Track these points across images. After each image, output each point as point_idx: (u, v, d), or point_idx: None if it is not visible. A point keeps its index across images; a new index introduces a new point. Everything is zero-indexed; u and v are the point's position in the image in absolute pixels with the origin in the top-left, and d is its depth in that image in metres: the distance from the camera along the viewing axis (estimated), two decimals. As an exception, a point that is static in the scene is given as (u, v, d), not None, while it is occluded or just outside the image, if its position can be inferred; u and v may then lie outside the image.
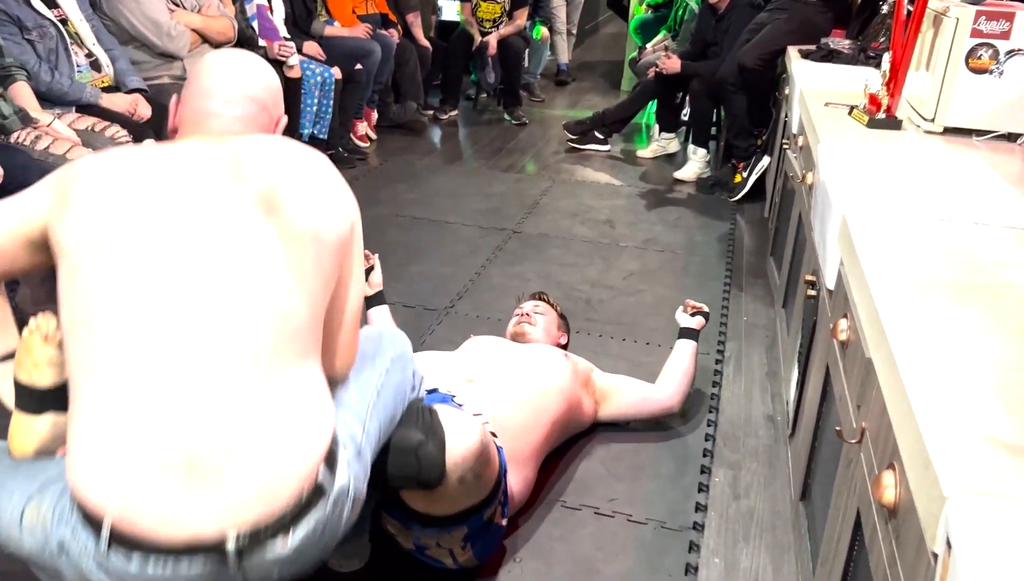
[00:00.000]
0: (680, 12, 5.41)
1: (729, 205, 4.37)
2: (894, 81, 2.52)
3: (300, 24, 4.55)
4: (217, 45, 3.77)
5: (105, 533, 1.17)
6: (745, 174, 4.42)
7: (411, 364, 1.67)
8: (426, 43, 5.66)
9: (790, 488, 2.15)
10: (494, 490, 1.72)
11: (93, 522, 1.19)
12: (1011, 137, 2.44)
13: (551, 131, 5.69)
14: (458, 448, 1.57)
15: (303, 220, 1.32)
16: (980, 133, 2.45)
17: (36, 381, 1.33)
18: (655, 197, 4.50)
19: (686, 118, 5.20)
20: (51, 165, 2.75)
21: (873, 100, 2.57)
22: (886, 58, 2.56)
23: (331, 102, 4.40)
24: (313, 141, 4.40)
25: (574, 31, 7.56)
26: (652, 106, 5.36)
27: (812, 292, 2.09)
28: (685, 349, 2.47)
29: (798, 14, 4.06)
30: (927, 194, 1.94)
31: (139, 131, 3.08)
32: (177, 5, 3.64)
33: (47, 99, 2.97)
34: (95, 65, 3.19)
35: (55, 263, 1.30)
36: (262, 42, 4.02)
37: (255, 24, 4.10)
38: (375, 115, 5.26)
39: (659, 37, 5.75)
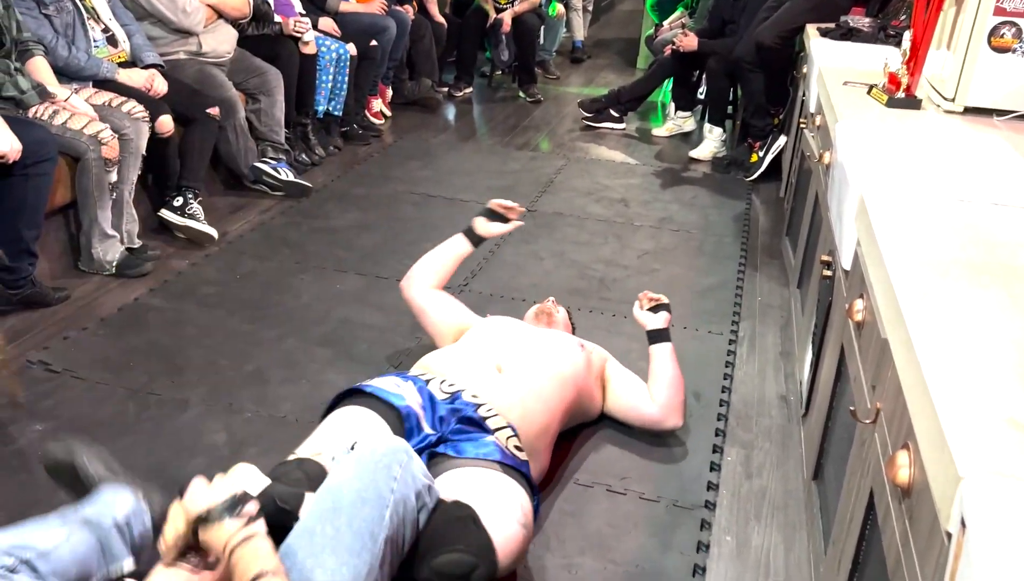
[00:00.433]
0: (697, -11, 5.38)
1: (745, 185, 4.35)
2: (914, 60, 2.49)
3: (315, 0, 4.53)
4: (233, 21, 3.77)
5: None
6: (761, 153, 4.40)
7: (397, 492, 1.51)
8: (441, 20, 5.64)
9: (803, 468, 2.15)
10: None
11: None
12: (1032, 117, 2.41)
13: (566, 109, 5.66)
14: (506, 563, 1.60)
15: None
16: (1001, 113, 2.42)
17: None
18: (670, 176, 4.48)
19: (702, 97, 5.17)
20: (68, 140, 2.77)
21: (893, 79, 2.54)
22: (907, 36, 2.52)
23: (346, 78, 4.40)
24: (328, 117, 4.41)
25: (590, 8, 7.51)
26: (668, 84, 5.34)
27: (828, 272, 2.08)
28: (663, 355, 2.24)
29: (818, -8, 4.01)
30: (946, 174, 1.92)
31: (155, 106, 3.08)
32: (192, -20, 3.63)
33: (64, 74, 2.98)
34: (111, 40, 3.19)
35: None
36: (277, 18, 4.01)
37: (271, 0, 4.09)
38: (390, 92, 5.25)
39: (676, 14, 5.72)
